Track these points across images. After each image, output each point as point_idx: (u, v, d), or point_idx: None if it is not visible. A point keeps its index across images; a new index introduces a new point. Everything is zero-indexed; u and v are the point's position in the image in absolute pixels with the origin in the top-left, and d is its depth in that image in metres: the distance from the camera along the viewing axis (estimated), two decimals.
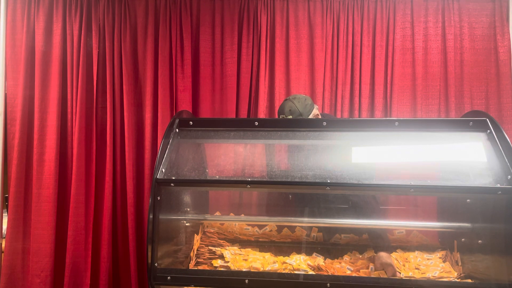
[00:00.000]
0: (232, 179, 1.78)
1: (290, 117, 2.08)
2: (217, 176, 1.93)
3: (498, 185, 1.55)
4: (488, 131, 1.69)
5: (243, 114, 2.78)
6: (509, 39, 2.73)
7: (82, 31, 2.73)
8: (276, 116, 2.74)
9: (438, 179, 1.66)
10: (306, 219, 1.96)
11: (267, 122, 1.94)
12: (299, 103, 2.12)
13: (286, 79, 2.81)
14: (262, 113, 2.76)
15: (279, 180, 1.71)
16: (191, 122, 1.88)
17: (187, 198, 2.02)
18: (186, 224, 2.00)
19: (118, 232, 2.74)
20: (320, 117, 2.23)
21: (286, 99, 2.19)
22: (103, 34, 2.76)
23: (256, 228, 2.09)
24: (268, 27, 2.79)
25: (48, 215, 2.63)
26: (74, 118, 2.71)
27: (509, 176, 1.56)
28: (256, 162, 1.84)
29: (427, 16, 2.76)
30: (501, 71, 2.72)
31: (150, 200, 1.61)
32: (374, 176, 1.73)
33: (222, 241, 2.02)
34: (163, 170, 1.68)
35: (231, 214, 2.12)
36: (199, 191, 2.11)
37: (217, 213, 2.12)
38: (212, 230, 2.08)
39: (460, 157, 1.75)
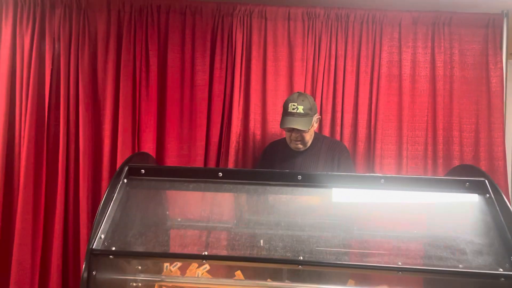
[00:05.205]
0: (185, 253, 1.48)
1: (302, 108, 2.09)
2: (169, 245, 1.57)
3: (501, 270, 1.29)
4: (487, 195, 1.46)
5: (214, 142, 2.53)
6: (502, 68, 2.54)
7: (35, 42, 2.42)
8: (251, 146, 2.52)
9: (429, 256, 1.43)
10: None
11: (233, 173, 1.65)
12: (311, 98, 2.19)
13: (263, 104, 2.56)
14: (235, 141, 2.50)
15: (240, 255, 1.42)
16: (142, 171, 1.58)
17: (135, 264, 1.69)
18: None
19: None
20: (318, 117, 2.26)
21: (297, 92, 2.21)
22: (58, 47, 2.45)
23: None
24: (244, 47, 2.53)
25: None
26: (22, 143, 2.40)
27: None
28: (218, 226, 1.57)
29: (416, 41, 2.55)
30: (492, 102, 2.54)
31: (82, 275, 1.30)
32: (355, 247, 1.49)
33: None
34: (102, 236, 1.37)
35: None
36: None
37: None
38: None
39: (456, 228, 1.51)
